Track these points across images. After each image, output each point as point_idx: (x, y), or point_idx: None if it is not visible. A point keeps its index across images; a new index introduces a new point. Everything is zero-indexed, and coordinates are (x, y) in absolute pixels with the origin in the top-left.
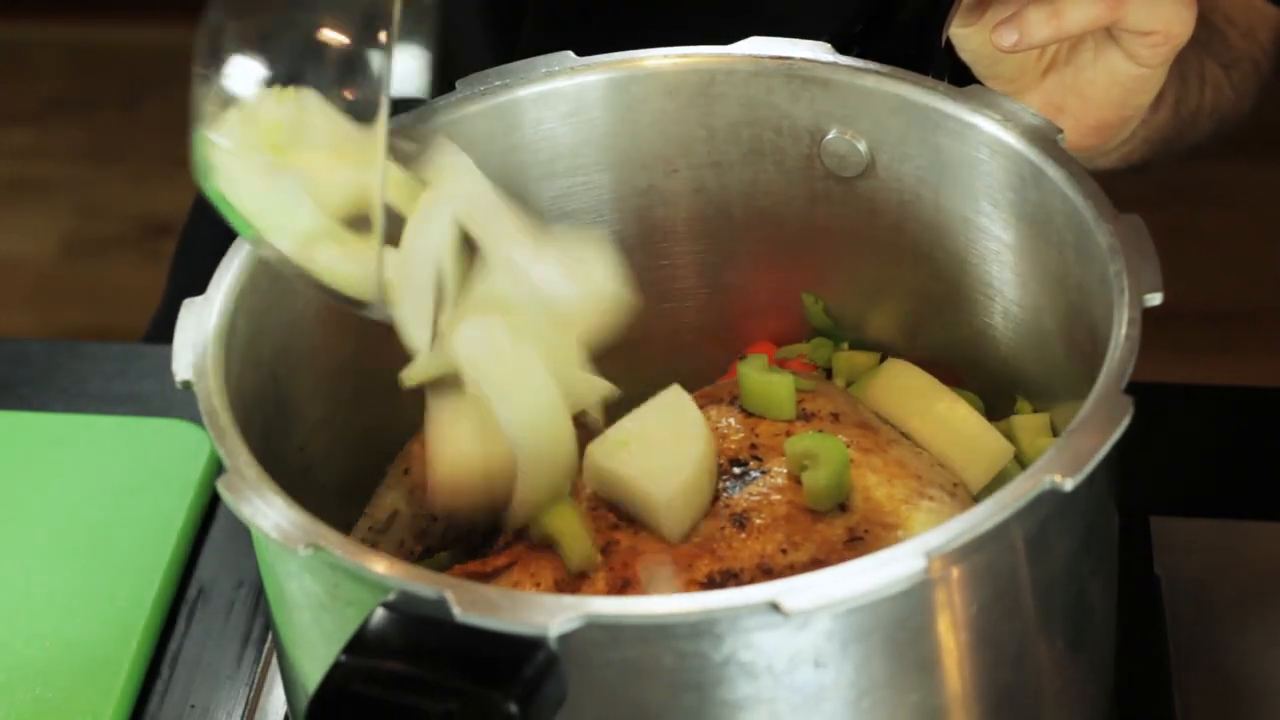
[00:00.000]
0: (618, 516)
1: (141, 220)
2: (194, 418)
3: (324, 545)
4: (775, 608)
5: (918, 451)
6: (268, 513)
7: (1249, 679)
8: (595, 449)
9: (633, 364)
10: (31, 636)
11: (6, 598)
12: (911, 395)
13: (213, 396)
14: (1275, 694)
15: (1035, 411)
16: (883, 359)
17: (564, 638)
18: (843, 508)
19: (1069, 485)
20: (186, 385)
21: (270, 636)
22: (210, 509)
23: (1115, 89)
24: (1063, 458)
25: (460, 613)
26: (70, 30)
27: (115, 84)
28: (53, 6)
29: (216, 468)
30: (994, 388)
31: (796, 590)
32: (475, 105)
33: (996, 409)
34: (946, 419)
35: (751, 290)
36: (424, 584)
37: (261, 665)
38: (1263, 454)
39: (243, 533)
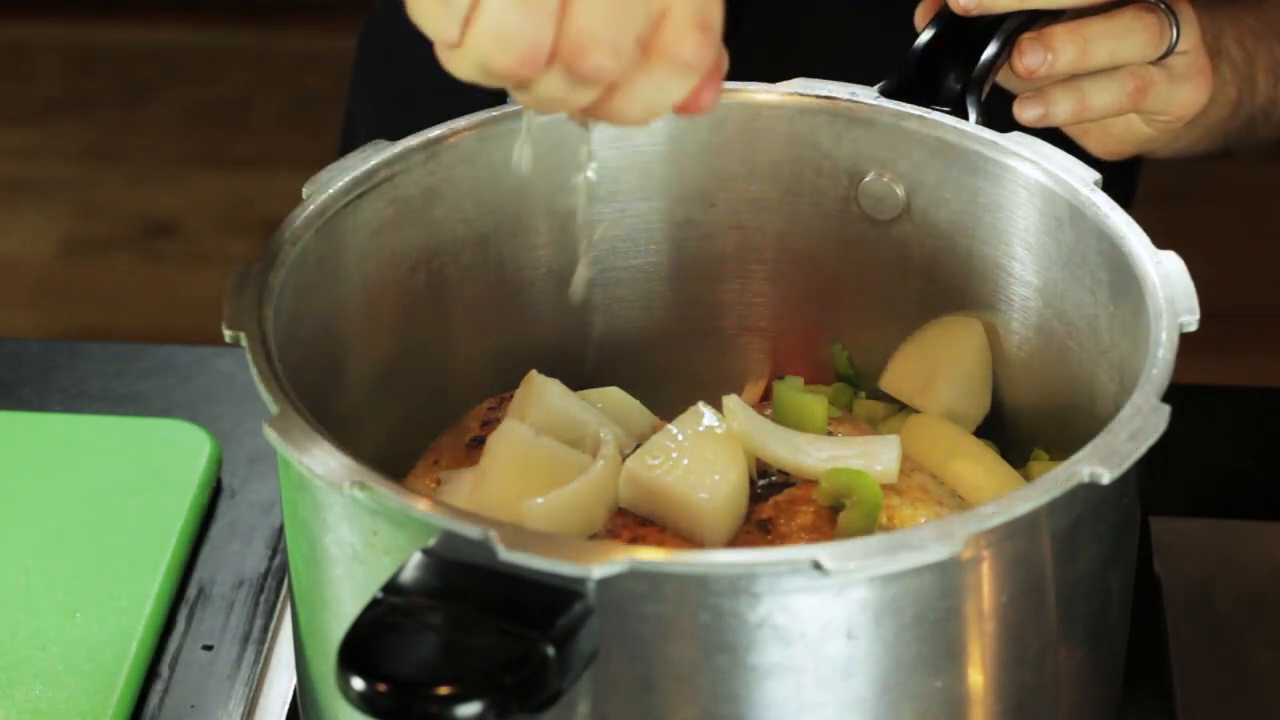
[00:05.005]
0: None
1: (141, 220)
2: (194, 418)
3: (371, 484)
4: (817, 566)
5: (939, 482)
6: (314, 453)
7: (1249, 679)
8: (633, 463)
9: (660, 398)
10: (31, 636)
11: (6, 598)
12: (936, 445)
13: (259, 345)
14: (1275, 694)
15: (1052, 459)
16: (900, 409)
17: (602, 587)
18: None
19: (1106, 478)
20: (235, 338)
21: (268, 637)
22: (210, 509)
23: (1130, 136)
24: (1101, 453)
25: (505, 551)
26: (70, 30)
27: (115, 84)
28: (53, 6)
29: (218, 467)
30: (1011, 436)
31: (838, 552)
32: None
33: (1012, 458)
34: (970, 469)
35: (779, 333)
36: (468, 523)
37: (261, 665)
38: (1263, 454)
39: (242, 532)
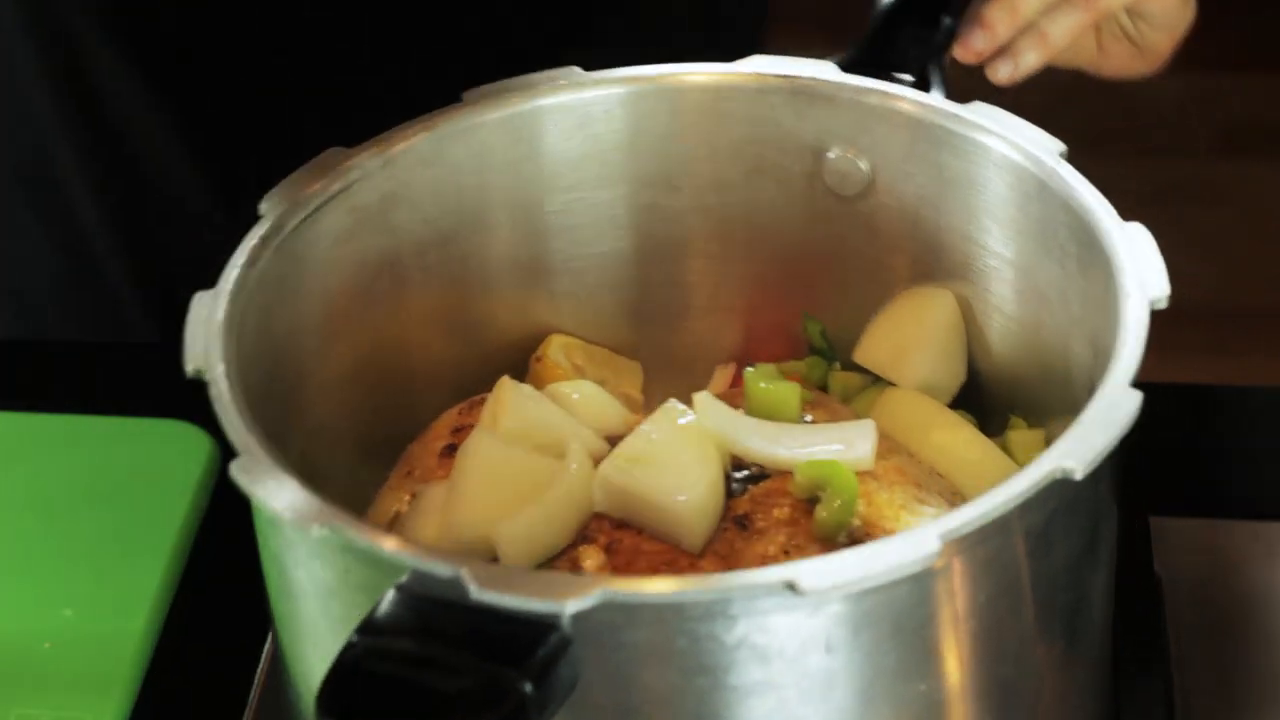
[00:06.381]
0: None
1: None
2: (194, 418)
3: (338, 526)
4: (791, 587)
5: (916, 461)
6: (281, 494)
7: (1249, 679)
8: (608, 468)
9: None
10: (30, 636)
11: (6, 598)
12: (913, 420)
13: (222, 381)
14: (1275, 694)
15: (1030, 427)
16: (875, 381)
17: (578, 619)
18: None
19: (1080, 474)
20: (198, 373)
21: (271, 636)
22: (210, 509)
23: (1133, 62)
24: (1073, 448)
25: (476, 590)
26: None
27: None
28: None
29: (218, 466)
30: (988, 405)
31: (812, 571)
32: (481, 116)
33: (990, 426)
34: (950, 442)
35: (751, 310)
36: (439, 562)
37: (262, 665)
38: (1263, 454)
39: (242, 534)
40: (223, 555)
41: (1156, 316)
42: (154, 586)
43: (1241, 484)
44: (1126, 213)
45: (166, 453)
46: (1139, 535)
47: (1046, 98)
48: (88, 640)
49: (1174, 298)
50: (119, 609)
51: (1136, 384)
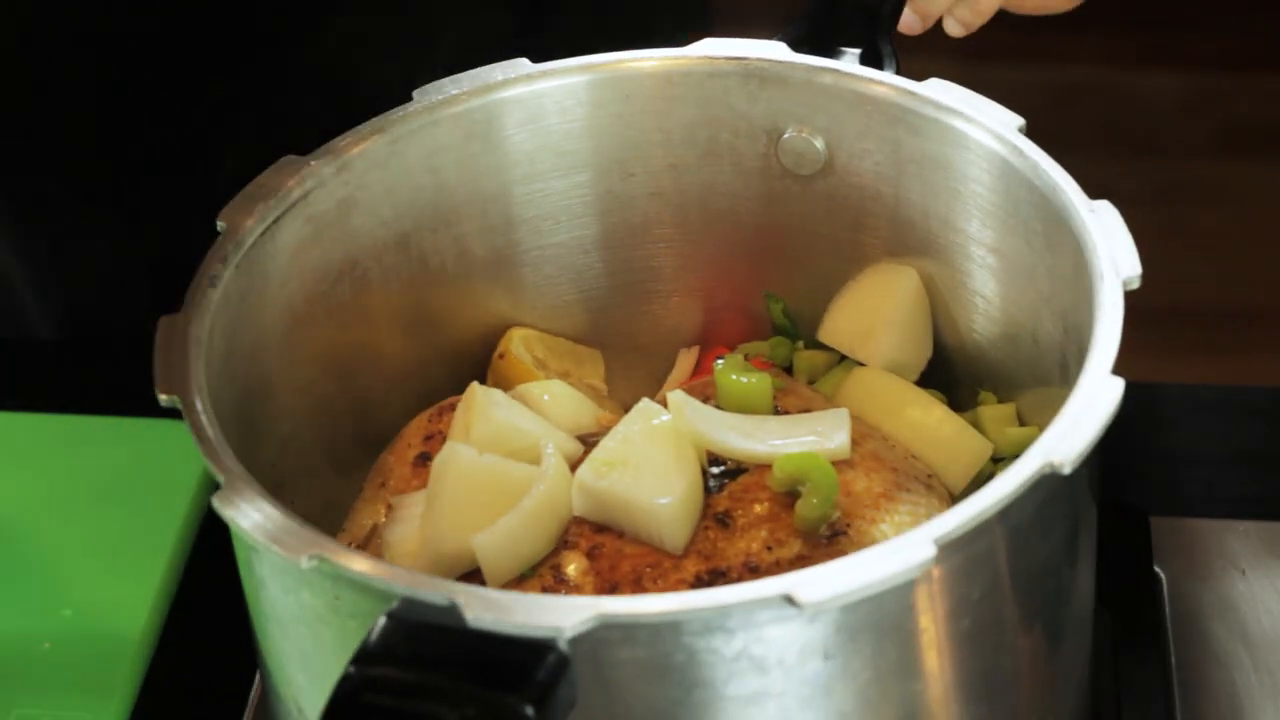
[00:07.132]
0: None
1: None
2: None
3: (328, 555)
4: (790, 600)
5: (890, 445)
6: (266, 526)
7: (1249, 679)
8: (585, 472)
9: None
10: (30, 636)
11: (6, 598)
12: (884, 400)
13: (200, 414)
14: (1275, 694)
15: (1000, 402)
16: (841, 359)
17: (575, 639)
18: None
19: (1068, 469)
20: (171, 403)
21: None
22: (210, 509)
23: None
24: (1057, 442)
25: (472, 617)
26: None
27: None
28: None
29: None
30: (955, 380)
31: (810, 582)
32: (433, 115)
33: (957, 401)
34: (923, 422)
35: (712, 291)
36: (433, 590)
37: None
38: (1261, 454)
39: None
40: (223, 555)
41: (1157, 315)
42: (154, 586)
43: (1241, 484)
44: (1127, 213)
45: (166, 453)
46: (1139, 535)
47: (1047, 98)
48: (88, 640)
49: (1175, 297)
50: (119, 609)
51: (1135, 384)
